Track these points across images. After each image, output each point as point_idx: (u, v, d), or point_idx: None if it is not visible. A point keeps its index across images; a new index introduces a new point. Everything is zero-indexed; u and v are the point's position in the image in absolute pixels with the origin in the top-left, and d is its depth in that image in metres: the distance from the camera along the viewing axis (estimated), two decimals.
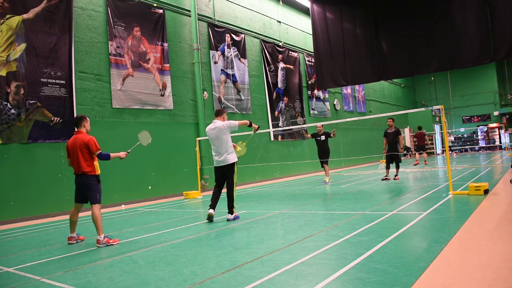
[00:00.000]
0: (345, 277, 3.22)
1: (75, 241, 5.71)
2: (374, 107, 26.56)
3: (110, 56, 10.82)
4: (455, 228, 4.68)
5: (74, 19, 10.13)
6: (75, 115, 9.82)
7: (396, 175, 11.78)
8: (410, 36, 12.15)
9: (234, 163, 6.57)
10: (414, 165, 17.49)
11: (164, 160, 11.91)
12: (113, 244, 5.29)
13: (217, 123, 6.64)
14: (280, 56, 17.61)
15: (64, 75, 9.75)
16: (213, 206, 6.60)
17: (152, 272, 3.85)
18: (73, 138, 5.48)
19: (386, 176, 11.86)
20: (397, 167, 11.77)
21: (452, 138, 30.69)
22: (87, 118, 5.67)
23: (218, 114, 6.80)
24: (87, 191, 5.41)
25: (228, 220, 6.60)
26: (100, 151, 5.44)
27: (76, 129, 5.61)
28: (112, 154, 5.53)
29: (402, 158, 14.06)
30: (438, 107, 8.11)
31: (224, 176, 6.70)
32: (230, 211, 6.65)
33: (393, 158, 11.65)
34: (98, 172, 5.50)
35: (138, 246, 5.15)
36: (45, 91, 9.36)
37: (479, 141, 31.35)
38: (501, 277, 3.02)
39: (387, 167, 11.84)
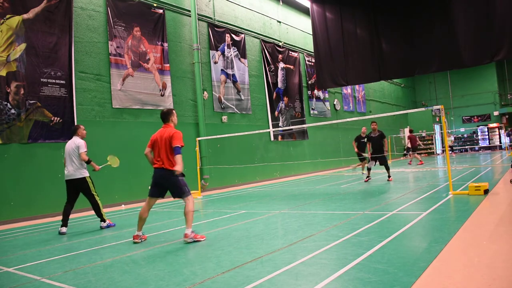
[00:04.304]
0: (345, 277, 3.22)
1: (140, 240, 5.37)
2: (374, 107, 26.55)
3: (110, 56, 10.82)
4: (455, 228, 4.68)
5: (74, 19, 10.13)
6: (75, 115, 9.83)
7: (389, 176, 11.73)
8: (410, 36, 12.15)
9: (84, 177, 6.77)
10: (418, 165, 18.03)
11: None
12: (200, 240, 5.05)
13: (76, 139, 6.89)
14: (280, 56, 17.61)
15: (64, 75, 9.74)
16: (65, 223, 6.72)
17: (152, 272, 3.85)
18: (160, 131, 5.32)
19: (368, 177, 11.92)
20: (387, 169, 11.76)
21: (452, 138, 30.67)
22: (174, 112, 5.47)
23: (75, 131, 7.03)
24: (170, 186, 5.23)
25: (101, 228, 6.87)
26: (180, 146, 5.10)
27: (163, 124, 5.40)
28: (178, 157, 5.08)
29: (402, 158, 14.08)
30: (438, 107, 8.11)
31: (79, 190, 6.87)
32: (103, 219, 6.93)
33: (380, 161, 11.62)
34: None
35: (138, 246, 5.15)
36: (45, 91, 9.36)
37: (479, 141, 31.36)
38: (501, 277, 3.02)
39: (369, 169, 11.91)
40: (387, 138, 13.57)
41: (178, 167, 5.05)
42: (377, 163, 11.76)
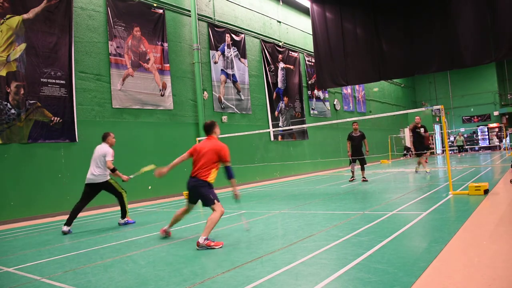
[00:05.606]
0: (345, 277, 3.22)
1: (165, 234, 5.59)
2: (374, 107, 26.54)
3: (110, 56, 10.82)
4: (455, 228, 4.68)
5: (74, 19, 10.12)
6: (75, 115, 9.83)
7: (363, 177, 11.96)
8: (410, 36, 12.15)
9: (106, 181, 6.93)
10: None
11: (164, 160, 11.86)
12: (214, 248, 4.65)
13: (104, 146, 7.01)
14: (280, 56, 17.61)
15: (64, 75, 9.74)
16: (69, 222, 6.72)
17: (152, 272, 3.85)
18: (204, 142, 5.30)
19: (353, 177, 12.26)
20: (363, 169, 12.03)
21: (452, 138, 30.58)
22: (216, 124, 5.43)
23: (105, 138, 7.17)
24: (198, 195, 5.20)
25: (119, 224, 7.06)
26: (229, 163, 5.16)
27: (207, 135, 5.38)
28: (233, 181, 5.17)
29: (402, 158, 14.14)
30: (438, 107, 8.11)
31: (101, 190, 7.01)
32: (123, 216, 7.13)
33: (360, 160, 11.95)
34: (212, 181, 5.21)
35: (138, 246, 5.15)
36: (45, 91, 9.36)
37: (479, 141, 31.36)
38: (501, 277, 3.02)
39: (352, 171, 12.32)
40: (387, 138, 13.60)
41: (238, 192, 5.24)
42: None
